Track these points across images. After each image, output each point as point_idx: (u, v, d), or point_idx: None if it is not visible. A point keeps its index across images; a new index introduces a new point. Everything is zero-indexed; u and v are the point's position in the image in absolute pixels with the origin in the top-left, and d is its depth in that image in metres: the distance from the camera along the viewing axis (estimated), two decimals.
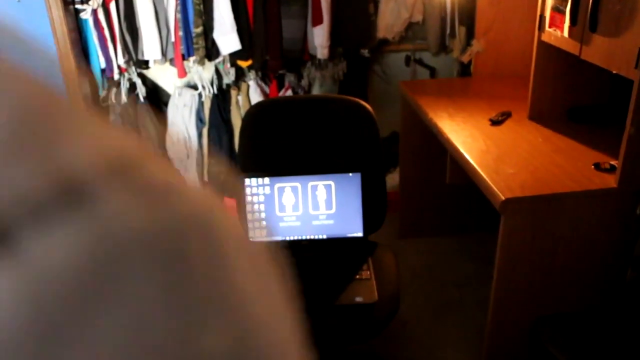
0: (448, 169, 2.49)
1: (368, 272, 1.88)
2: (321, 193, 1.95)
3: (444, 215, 2.91)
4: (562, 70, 2.12)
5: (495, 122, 2.15)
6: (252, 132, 2.03)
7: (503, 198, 1.64)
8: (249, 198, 1.94)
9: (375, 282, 1.82)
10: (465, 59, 2.74)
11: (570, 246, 1.73)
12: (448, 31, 3.01)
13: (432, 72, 3.22)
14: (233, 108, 3.11)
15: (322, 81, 3.18)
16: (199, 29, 2.85)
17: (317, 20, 2.87)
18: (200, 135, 3.16)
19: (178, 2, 2.84)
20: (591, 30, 1.69)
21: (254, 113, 2.09)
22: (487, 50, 2.67)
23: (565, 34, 1.85)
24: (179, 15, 2.86)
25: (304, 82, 3.18)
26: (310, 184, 1.93)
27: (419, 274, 2.71)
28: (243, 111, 3.07)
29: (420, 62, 3.27)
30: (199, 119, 3.13)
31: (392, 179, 3.08)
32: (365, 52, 3.08)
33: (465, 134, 2.09)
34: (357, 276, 1.87)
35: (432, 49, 3.12)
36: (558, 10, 1.90)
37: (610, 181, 1.69)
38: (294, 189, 1.93)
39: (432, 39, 3.07)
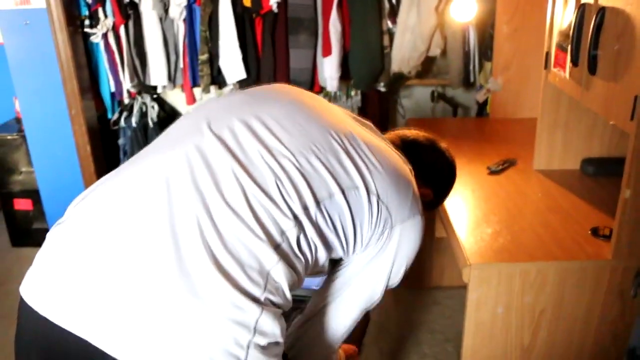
0: (437, 222, 2.25)
1: None
2: None
3: (449, 265, 2.64)
4: (575, 116, 1.86)
5: (493, 172, 1.90)
6: None
7: (469, 264, 1.40)
8: None
9: None
10: (480, 98, 2.50)
11: (554, 325, 1.46)
12: (471, 66, 2.78)
13: (455, 109, 2.99)
14: None
15: None
16: (204, 56, 2.77)
17: (327, 51, 2.72)
18: None
19: (186, 28, 2.78)
20: (590, 73, 1.44)
21: None
22: (506, 89, 2.42)
23: (567, 75, 1.60)
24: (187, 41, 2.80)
25: None
26: None
27: (418, 327, 2.45)
28: None
29: (443, 97, 3.05)
30: None
31: None
32: (381, 86, 2.89)
33: (456, 183, 1.85)
34: None
35: (454, 84, 2.90)
36: (562, 48, 1.65)
37: (606, 252, 1.41)
38: None
39: (454, 74, 2.85)
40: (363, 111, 2.98)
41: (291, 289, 0.90)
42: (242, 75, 2.75)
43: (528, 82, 2.39)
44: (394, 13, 2.78)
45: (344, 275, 1.08)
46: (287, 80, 2.77)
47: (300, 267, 0.91)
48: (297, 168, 0.91)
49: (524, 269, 1.40)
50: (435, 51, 2.76)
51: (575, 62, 1.53)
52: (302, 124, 0.97)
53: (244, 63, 2.74)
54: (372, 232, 1.00)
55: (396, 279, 1.10)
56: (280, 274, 0.86)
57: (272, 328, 0.85)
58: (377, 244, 1.03)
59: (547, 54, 1.76)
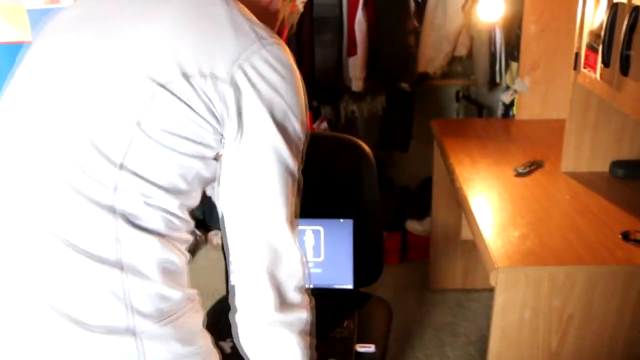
0: (463, 224, 2.23)
1: (351, 328, 1.67)
2: (309, 239, 1.78)
3: (475, 268, 2.62)
4: (604, 117, 1.82)
5: (520, 173, 1.88)
6: None
7: (496, 267, 1.38)
8: None
9: (358, 341, 1.61)
10: (506, 99, 2.47)
11: (583, 330, 1.43)
12: (497, 67, 2.75)
13: (480, 110, 2.95)
14: None
15: (360, 114, 3.01)
16: None
17: (352, 51, 2.72)
18: None
19: None
20: (622, 74, 1.41)
21: None
22: (533, 90, 2.39)
23: (598, 76, 1.58)
24: None
25: (341, 114, 3.03)
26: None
27: (442, 329, 2.44)
28: None
29: (467, 98, 3.02)
30: None
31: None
32: (406, 86, 2.88)
33: (483, 185, 1.84)
34: (337, 334, 1.67)
35: (479, 85, 2.87)
36: (592, 48, 1.62)
37: (637, 257, 1.39)
38: None
39: (480, 75, 2.82)
40: (387, 111, 2.97)
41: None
42: None
43: (555, 83, 2.36)
44: (419, 13, 2.76)
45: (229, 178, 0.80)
46: (312, 79, 2.77)
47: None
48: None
49: (552, 273, 1.38)
50: (461, 51, 2.74)
51: (606, 62, 1.50)
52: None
53: None
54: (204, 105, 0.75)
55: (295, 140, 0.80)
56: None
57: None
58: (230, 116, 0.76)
59: (577, 55, 1.73)
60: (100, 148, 0.74)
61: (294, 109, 0.79)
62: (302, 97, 0.81)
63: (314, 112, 3.00)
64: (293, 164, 0.80)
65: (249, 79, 0.76)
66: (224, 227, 0.82)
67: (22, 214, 0.77)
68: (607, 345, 1.45)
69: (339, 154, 1.80)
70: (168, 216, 0.79)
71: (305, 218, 1.74)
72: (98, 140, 0.75)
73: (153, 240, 0.78)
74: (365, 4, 2.67)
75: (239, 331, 0.83)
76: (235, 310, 0.83)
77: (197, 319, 0.86)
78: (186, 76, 0.74)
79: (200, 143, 0.77)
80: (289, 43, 2.73)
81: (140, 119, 0.74)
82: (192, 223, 0.86)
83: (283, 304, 0.81)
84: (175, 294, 0.81)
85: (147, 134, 0.74)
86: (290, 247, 0.81)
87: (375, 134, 3.02)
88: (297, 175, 0.82)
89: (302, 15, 2.71)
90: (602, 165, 1.87)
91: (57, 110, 0.78)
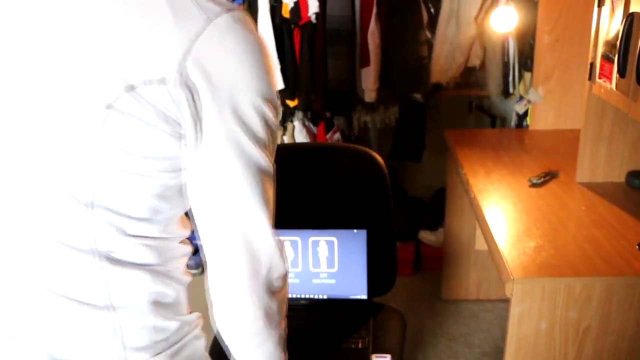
0: (477, 234, 2.22)
1: (366, 340, 1.67)
2: (323, 249, 1.78)
3: (489, 278, 2.60)
4: (620, 127, 1.81)
5: (535, 184, 1.87)
6: None
7: (512, 278, 1.38)
8: None
9: (373, 351, 1.61)
10: (520, 109, 2.46)
11: (600, 342, 1.42)
12: (511, 77, 2.75)
13: (493, 120, 2.95)
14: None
15: (373, 125, 3.02)
16: None
17: (365, 62, 2.73)
18: None
19: None
20: (639, 84, 1.41)
21: None
22: (547, 100, 2.38)
23: (613, 86, 1.57)
24: None
25: (354, 125, 3.03)
26: (312, 239, 1.77)
27: (456, 339, 2.42)
28: None
29: (481, 109, 3.02)
30: None
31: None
32: (419, 97, 2.88)
33: (497, 195, 1.83)
34: (352, 345, 1.66)
35: (493, 95, 2.86)
36: (608, 58, 1.62)
37: None
38: (294, 244, 1.77)
39: (493, 85, 2.82)
40: (400, 122, 2.97)
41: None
42: (280, 85, 2.77)
43: (570, 93, 2.35)
44: (432, 24, 2.77)
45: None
46: (324, 91, 2.78)
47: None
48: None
49: (569, 284, 1.37)
50: (474, 62, 2.74)
51: (622, 73, 1.50)
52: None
53: (282, 74, 2.76)
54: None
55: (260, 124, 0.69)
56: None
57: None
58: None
59: (592, 65, 1.73)
60: (68, 190, 0.68)
61: (262, 89, 0.68)
62: (269, 69, 0.69)
63: (327, 123, 3.01)
64: (265, 161, 0.71)
65: (204, 73, 0.64)
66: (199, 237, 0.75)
67: (9, 267, 0.74)
68: (625, 358, 1.44)
69: (352, 164, 1.81)
70: (155, 242, 0.74)
71: (319, 229, 1.76)
72: (64, 182, 0.68)
73: (142, 275, 0.73)
74: (378, 15, 2.69)
75: (226, 344, 0.79)
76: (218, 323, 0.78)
77: (197, 345, 0.82)
78: (131, 88, 0.64)
79: (167, 158, 0.68)
80: (301, 54, 2.76)
81: (97, 150, 0.66)
82: (187, 230, 0.79)
83: (265, 312, 0.76)
84: (172, 325, 0.77)
85: (109, 164, 0.67)
86: (271, 252, 0.74)
87: (388, 145, 3.03)
88: (271, 169, 0.73)
89: (315, 26, 2.73)
90: (618, 176, 1.86)
91: (16, 158, 0.71)
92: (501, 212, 1.72)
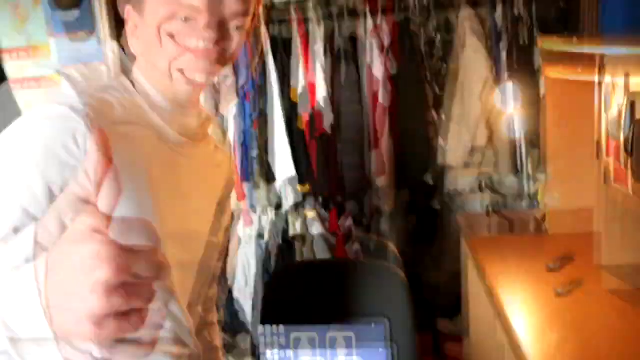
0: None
1: None
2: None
3: None
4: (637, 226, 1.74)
5: (560, 294, 1.76)
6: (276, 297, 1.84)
7: None
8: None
9: None
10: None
11: None
12: (518, 154, 2.75)
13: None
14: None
15: (385, 209, 2.98)
16: (254, 152, 2.84)
17: (380, 171, 2.77)
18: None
19: (236, 125, 2.84)
20: None
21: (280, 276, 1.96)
22: (555, 179, 2.32)
23: (630, 191, 1.54)
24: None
25: (366, 209, 3.02)
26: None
27: None
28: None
29: (491, 187, 2.99)
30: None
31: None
32: (429, 179, 2.88)
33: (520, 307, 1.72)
34: None
35: (502, 172, 2.86)
36: (613, 136, 1.61)
37: None
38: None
39: (501, 163, 2.82)
40: (411, 205, 2.97)
41: None
42: (292, 172, 2.79)
43: (579, 170, 2.30)
44: (437, 104, 2.82)
45: None
46: (338, 175, 2.82)
47: None
48: None
49: None
50: (482, 140, 2.75)
51: (638, 177, 1.48)
52: None
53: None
54: None
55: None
56: None
57: None
58: None
59: (598, 143, 1.71)
60: None
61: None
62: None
63: (339, 208, 3.00)
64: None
65: None
66: None
67: None
68: None
69: (375, 281, 1.76)
70: None
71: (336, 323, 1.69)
72: None
73: None
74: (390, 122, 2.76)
75: None
76: None
77: None
78: None
79: None
80: (318, 160, 2.78)
81: None
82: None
83: None
84: None
85: None
86: None
87: (401, 228, 2.99)
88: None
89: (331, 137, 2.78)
90: None
91: None
92: (528, 325, 1.61)
